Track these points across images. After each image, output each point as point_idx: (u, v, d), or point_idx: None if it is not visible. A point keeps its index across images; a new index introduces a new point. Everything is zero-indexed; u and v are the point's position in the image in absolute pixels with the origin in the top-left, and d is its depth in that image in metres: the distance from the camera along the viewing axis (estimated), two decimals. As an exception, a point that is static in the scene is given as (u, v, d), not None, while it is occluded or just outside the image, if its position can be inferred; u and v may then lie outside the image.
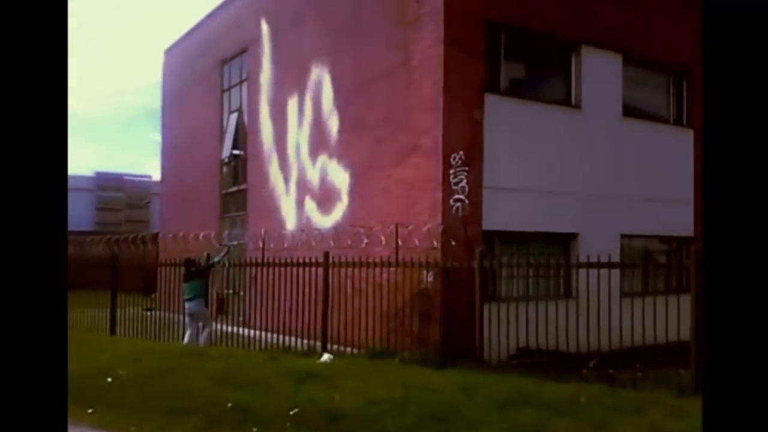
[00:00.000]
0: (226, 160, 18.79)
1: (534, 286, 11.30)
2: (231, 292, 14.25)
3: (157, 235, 19.89)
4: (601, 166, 13.41)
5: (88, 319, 14.95)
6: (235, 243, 15.95)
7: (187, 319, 12.34)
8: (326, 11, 14.67)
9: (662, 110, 15.26)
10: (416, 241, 11.26)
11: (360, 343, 11.04)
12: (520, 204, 12.12)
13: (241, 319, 13.41)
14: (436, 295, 10.81)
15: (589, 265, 9.39)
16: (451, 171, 11.35)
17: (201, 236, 14.44)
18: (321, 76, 14.58)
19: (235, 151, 18.21)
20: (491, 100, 11.96)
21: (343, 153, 13.79)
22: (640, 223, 13.92)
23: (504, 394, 7.28)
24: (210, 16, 20.39)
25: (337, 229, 13.22)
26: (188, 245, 14.28)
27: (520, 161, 12.27)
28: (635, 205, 13.80)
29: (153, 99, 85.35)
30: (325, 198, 14.24)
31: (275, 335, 11.99)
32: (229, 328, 13.01)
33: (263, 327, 12.40)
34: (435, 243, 11.11)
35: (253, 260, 13.13)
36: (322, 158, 14.41)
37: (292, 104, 15.61)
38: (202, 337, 12.11)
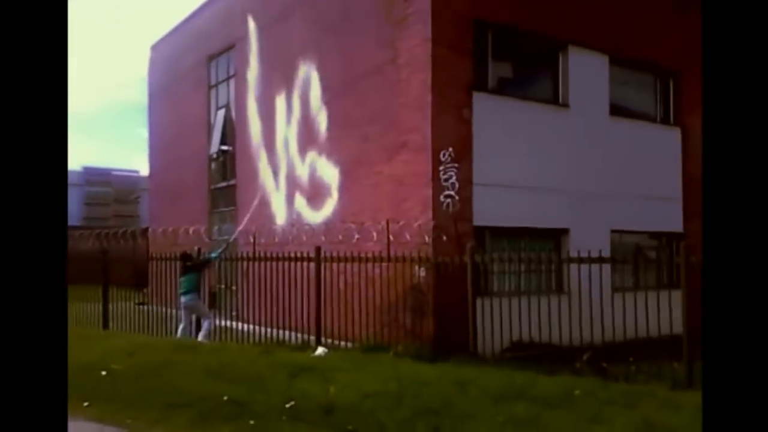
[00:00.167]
0: (215, 155, 18.73)
1: (526, 281, 11.39)
2: (223, 286, 14.23)
3: (146, 229, 19.77)
4: (589, 163, 13.53)
5: (80, 313, 14.86)
6: (227, 238, 15.92)
7: (182, 312, 12.33)
8: (313, 8, 14.65)
9: (649, 109, 15.43)
10: (407, 237, 11.30)
11: (354, 337, 11.05)
12: (510, 200, 12.21)
13: (234, 313, 13.41)
14: (429, 290, 10.86)
15: (580, 260, 9.45)
16: (441, 167, 11.41)
17: (191, 231, 14.40)
18: (309, 73, 14.57)
19: (224, 147, 18.15)
20: (479, 98, 12.04)
21: (333, 149, 13.80)
22: (630, 220, 14.07)
23: (498, 388, 7.29)
24: (197, 12, 20.25)
25: (327, 225, 13.23)
26: (178, 240, 14.23)
27: (509, 158, 12.36)
28: (625, 202, 13.95)
29: (140, 94, 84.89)
30: (315, 194, 14.25)
31: (269, 329, 11.98)
32: (223, 323, 13.00)
33: (256, 321, 12.40)
34: (426, 238, 11.15)
35: (245, 255, 13.12)
36: (312, 155, 14.40)
37: (280, 101, 15.58)
38: (202, 332, 12.06)
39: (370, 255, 11.07)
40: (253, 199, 15.62)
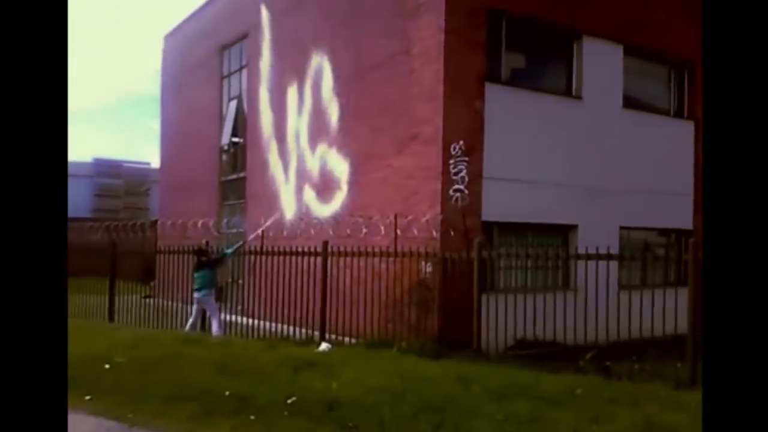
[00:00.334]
0: (226, 147, 18.71)
1: (533, 278, 11.31)
2: (230, 280, 14.28)
3: (155, 222, 19.82)
4: (601, 158, 13.37)
5: (87, 305, 14.95)
6: (234, 231, 15.93)
7: (194, 307, 12.36)
8: (326, -3, 14.57)
9: (663, 102, 15.22)
10: (415, 231, 11.25)
11: (358, 333, 11.05)
12: (519, 195, 12.09)
13: (240, 307, 13.43)
14: (435, 286, 10.80)
15: (588, 257, 9.38)
16: (451, 161, 11.32)
17: (200, 224, 14.42)
18: (321, 64, 14.49)
19: (235, 139, 18.11)
20: (492, 90, 11.89)
21: (343, 142, 13.73)
22: (640, 216, 13.91)
23: (501, 385, 7.30)
24: (210, 1, 20.20)
25: (336, 219, 13.20)
26: (187, 233, 14.26)
27: (520, 151, 12.24)
28: (635, 197, 13.77)
29: (152, 86, 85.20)
30: (325, 187, 14.20)
31: (274, 324, 12.00)
32: (228, 317, 13.02)
33: (262, 316, 12.42)
34: (434, 233, 11.09)
35: (252, 249, 13.14)
36: (322, 147, 14.35)
37: (292, 91, 15.52)
38: (215, 327, 12.05)
39: (377, 250, 11.05)
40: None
